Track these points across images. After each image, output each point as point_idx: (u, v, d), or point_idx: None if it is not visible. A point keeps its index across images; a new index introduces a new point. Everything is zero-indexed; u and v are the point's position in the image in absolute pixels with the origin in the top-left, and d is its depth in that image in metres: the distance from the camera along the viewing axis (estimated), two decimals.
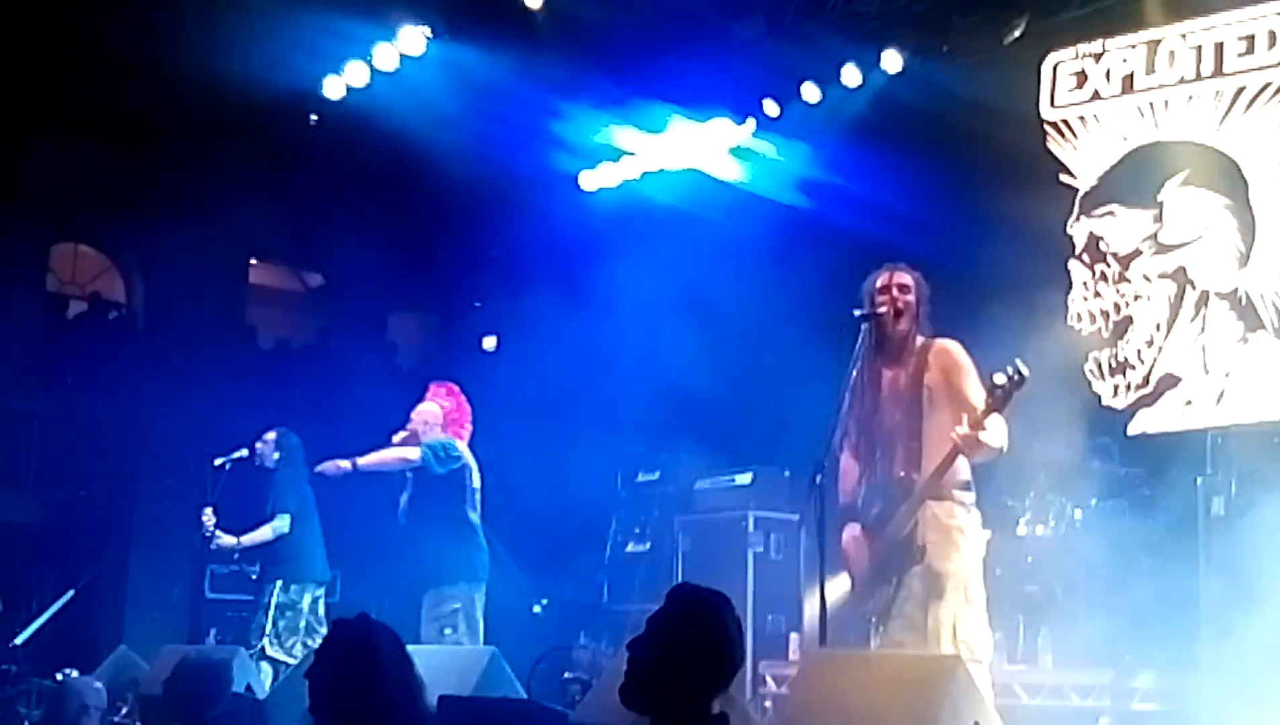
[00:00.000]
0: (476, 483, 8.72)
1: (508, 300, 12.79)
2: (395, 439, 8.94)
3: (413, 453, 8.48)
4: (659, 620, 3.65)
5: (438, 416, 8.81)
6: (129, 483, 11.86)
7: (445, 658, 6.85)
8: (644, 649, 3.64)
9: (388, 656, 3.83)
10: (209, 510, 9.59)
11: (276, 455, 9.79)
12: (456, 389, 9.02)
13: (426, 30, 10.44)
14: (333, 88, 11.23)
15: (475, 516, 8.67)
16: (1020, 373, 5.89)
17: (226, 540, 9.63)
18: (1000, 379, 5.94)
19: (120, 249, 13.43)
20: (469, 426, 8.93)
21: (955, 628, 5.98)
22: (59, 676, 7.61)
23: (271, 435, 9.82)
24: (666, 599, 3.70)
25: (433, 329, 14.01)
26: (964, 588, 6.07)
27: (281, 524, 9.59)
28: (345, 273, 13.19)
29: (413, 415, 8.83)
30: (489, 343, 13.20)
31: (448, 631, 8.21)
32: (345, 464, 8.52)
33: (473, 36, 10.51)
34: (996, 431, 6.05)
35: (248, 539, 9.61)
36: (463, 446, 8.72)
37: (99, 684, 7.29)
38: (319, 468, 8.76)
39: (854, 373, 6.35)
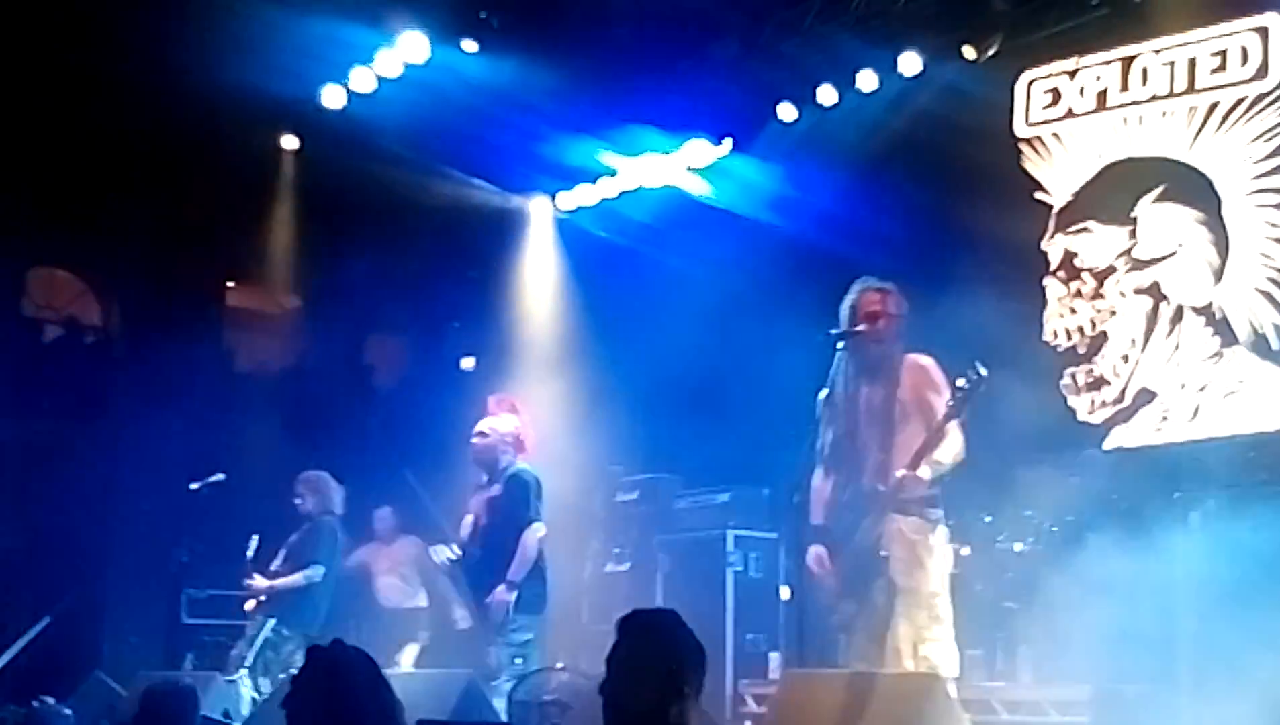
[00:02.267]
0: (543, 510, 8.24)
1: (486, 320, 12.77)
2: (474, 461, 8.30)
3: (540, 531, 7.92)
4: (612, 654, 3.70)
5: (514, 435, 8.16)
6: (106, 507, 11.78)
7: (422, 682, 6.84)
8: (609, 686, 3.68)
9: (363, 682, 3.82)
10: (254, 538, 9.38)
11: (328, 515, 9.59)
12: (520, 404, 8.48)
13: (404, 54, 10.43)
14: (310, 109, 11.21)
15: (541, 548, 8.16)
16: (979, 373, 5.91)
17: (259, 583, 9.38)
18: (961, 382, 5.97)
19: (96, 272, 13.37)
20: (532, 448, 8.33)
21: (917, 644, 6.00)
22: (35, 704, 7.54)
23: (340, 488, 9.62)
24: (616, 631, 3.73)
25: (410, 350, 13.98)
26: (928, 604, 6.08)
27: (314, 574, 9.34)
28: (322, 295, 13.15)
29: (487, 429, 8.14)
30: (467, 363, 13.17)
31: (518, 661, 7.77)
32: (507, 594, 7.82)
33: (452, 59, 10.51)
34: (947, 448, 6.06)
35: (280, 583, 9.36)
36: (538, 473, 8.19)
37: (68, 711, 7.23)
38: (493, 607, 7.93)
39: (833, 392, 6.36)
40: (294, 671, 8.62)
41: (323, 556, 9.41)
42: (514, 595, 7.82)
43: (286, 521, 9.70)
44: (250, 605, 9.37)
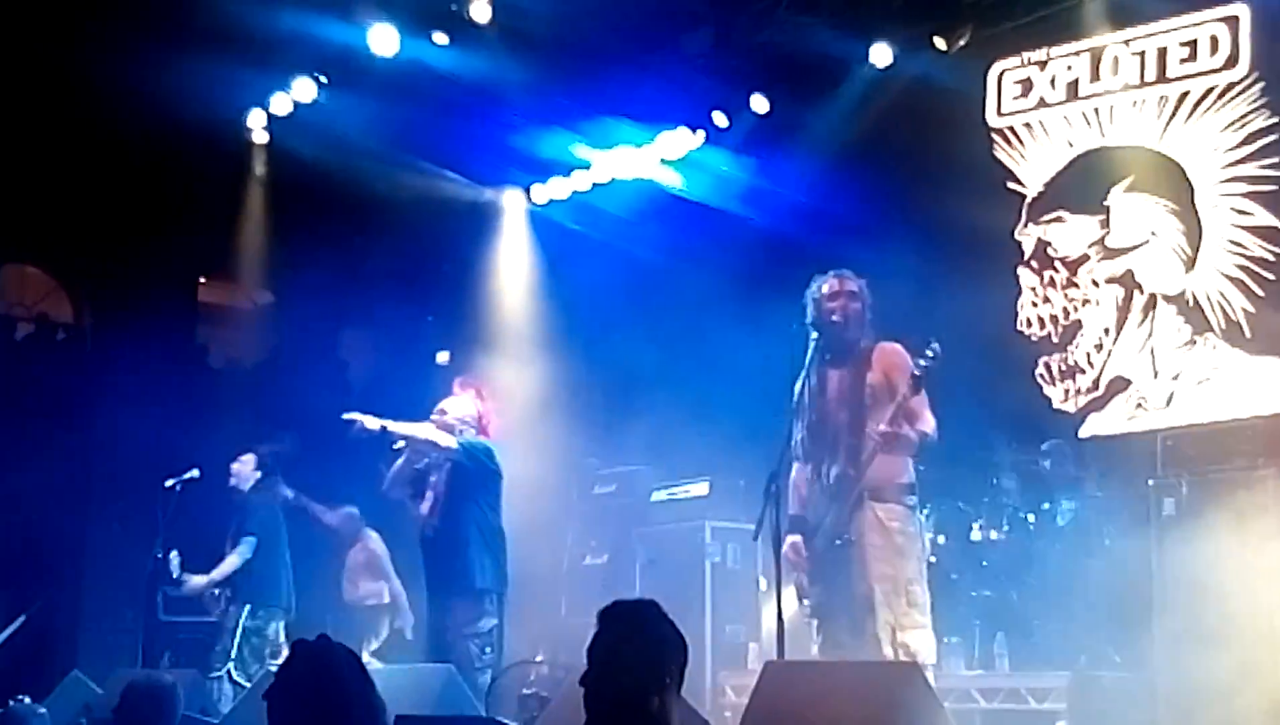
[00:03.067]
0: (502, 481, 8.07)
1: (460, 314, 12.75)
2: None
3: (449, 440, 7.74)
4: (593, 645, 3.70)
5: (474, 416, 8.04)
6: (80, 505, 11.74)
7: (402, 676, 6.80)
8: (590, 677, 3.68)
9: (348, 678, 3.80)
10: (174, 554, 9.44)
11: (257, 476, 9.68)
12: (487, 390, 8.33)
13: (374, 46, 10.40)
14: (279, 104, 11.18)
15: (502, 526, 8.03)
16: (934, 351, 5.97)
17: (196, 581, 9.47)
18: (920, 361, 6.02)
19: (67, 269, 13.31)
20: (495, 433, 8.18)
21: (896, 632, 6.01)
22: (10, 703, 7.51)
23: (250, 457, 9.67)
24: (597, 622, 3.74)
25: (384, 344, 13.94)
26: (906, 591, 6.10)
27: (245, 549, 9.46)
28: (295, 289, 13.11)
29: (446, 407, 8.02)
30: (442, 357, 13.15)
31: (488, 651, 7.62)
32: (375, 424, 7.64)
33: (423, 51, 10.48)
34: (927, 420, 6.10)
35: (217, 573, 9.46)
36: (499, 453, 8.05)
37: (43, 710, 7.20)
38: (347, 415, 7.75)
39: (804, 381, 6.38)
40: (281, 655, 8.57)
41: (251, 528, 9.50)
42: (378, 425, 7.66)
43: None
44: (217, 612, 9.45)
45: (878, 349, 6.38)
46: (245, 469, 9.67)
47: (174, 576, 9.44)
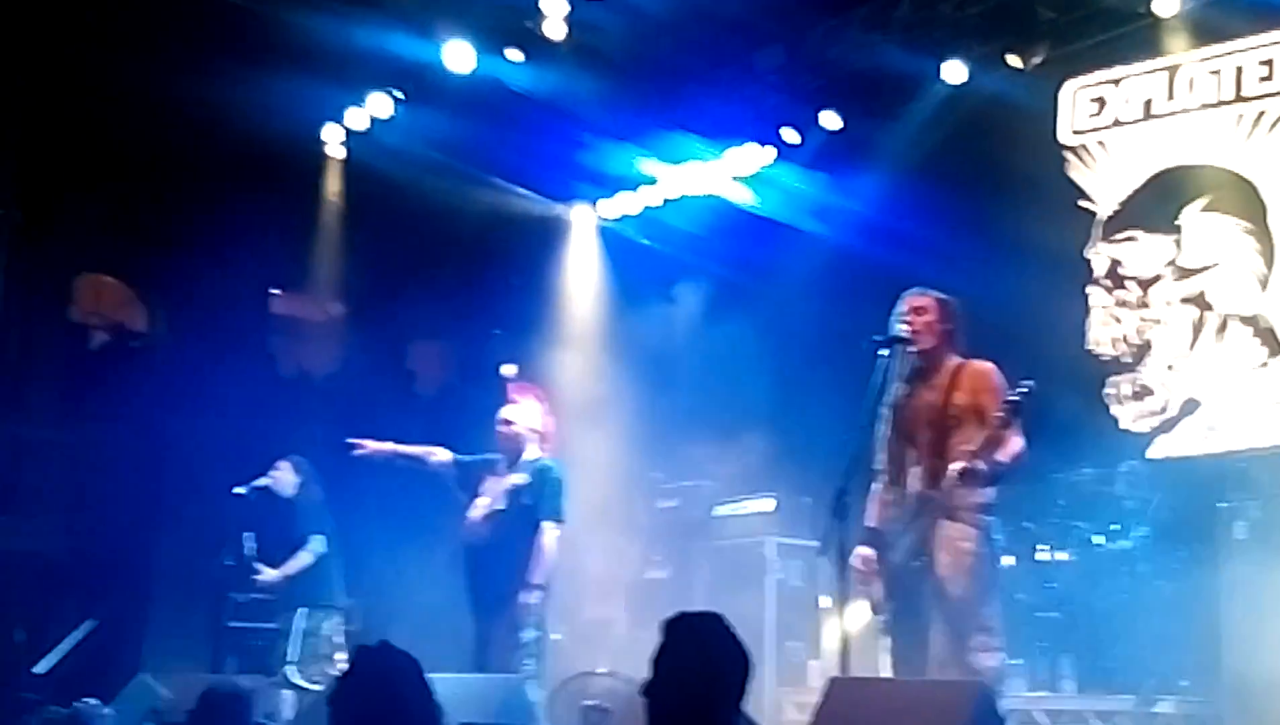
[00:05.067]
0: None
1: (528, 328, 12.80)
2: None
3: (558, 532, 7.79)
4: (658, 655, 3.71)
5: (539, 427, 8.03)
6: (151, 512, 11.87)
7: (464, 686, 6.82)
8: (652, 688, 3.69)
9: (410, 685, 3.83)
10: (248, 537, 9.55)
11: (297, 481, 9.80)
12: (540, 392, 8.29)
13: (449, 62, 10.49)
14: (355, 119, 11.31)
15: None
16: (1029, 388, 5.89)
17: (269, 574, 9.58)
18: (1013, 397, 5.94)
19: (143, 280, 13.48)
20: (553, 439, 8.14)
21: (964, 653, 5.96)
22: (77, 705, 7.61)
23: (286, 464, 9.80)
24: (661, 633, 3.74)
25: (452, 357, 14.02)
26: (975, 613, 6.04)
27: (318, 545, 9.59)
28: (366, 302, 13.23)
29: (510, 416, 8.01)
30: (509, 370, 13.21)
31: (528, 663, 7.61)
32: (530, 597, 7.70)
33: (497, 68, 10.57)
34: (1005, 449, 6.02)
35: (289, 568, 9.57)
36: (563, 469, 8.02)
37: (108, 711, 7.28)
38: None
39: (884, 397, 6.33)
40: (340, 654, 8.54)
41: (316, 527, 9.66)
42: (537, 597, 7.70)
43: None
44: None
45: (967, 368, 6.29)
46: (285, 476, 9.78)
47: (248, 556, 9.51)
